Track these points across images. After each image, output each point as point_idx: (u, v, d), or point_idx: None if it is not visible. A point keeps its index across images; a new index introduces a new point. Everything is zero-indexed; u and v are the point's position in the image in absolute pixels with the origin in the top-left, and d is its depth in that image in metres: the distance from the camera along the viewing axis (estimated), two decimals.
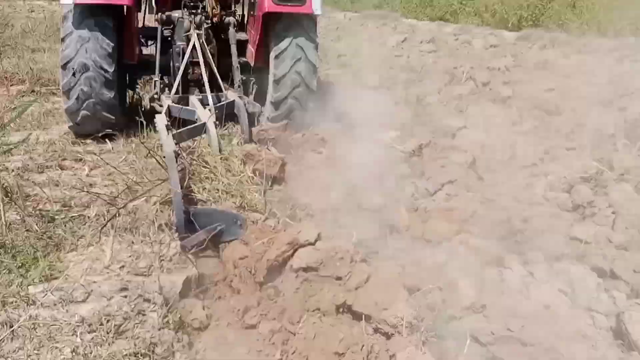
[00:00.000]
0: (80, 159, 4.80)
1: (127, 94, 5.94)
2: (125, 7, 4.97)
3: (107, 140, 5.31)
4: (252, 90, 5.65)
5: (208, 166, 4.23)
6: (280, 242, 3.02)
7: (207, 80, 5.10)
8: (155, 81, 5.30)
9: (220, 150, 4.28)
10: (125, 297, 2.81)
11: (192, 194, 3.93)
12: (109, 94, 4.89)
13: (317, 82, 5.38)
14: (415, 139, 4.98)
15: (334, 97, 6.16)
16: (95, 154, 4.95)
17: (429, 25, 18.56)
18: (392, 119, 5.84)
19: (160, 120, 4.37)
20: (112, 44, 4.81)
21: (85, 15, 4.68)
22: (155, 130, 4.74)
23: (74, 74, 4.72)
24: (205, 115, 4.51)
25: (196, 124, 4.48)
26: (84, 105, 4.87)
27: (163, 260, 3.17)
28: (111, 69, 4.84)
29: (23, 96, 7.19)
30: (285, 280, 2.95)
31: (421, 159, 4.68)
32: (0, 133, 3.91)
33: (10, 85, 7.51)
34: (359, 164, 4.01)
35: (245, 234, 3.29)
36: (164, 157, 3.80)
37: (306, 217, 3.79)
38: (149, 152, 4.42)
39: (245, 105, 4.95)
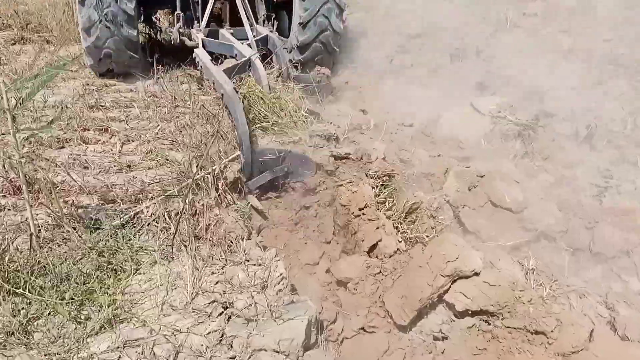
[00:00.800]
0: (106, 129, 3.76)
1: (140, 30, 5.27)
2: None
3: (131, 100, 4.28)
4: (273, 27, 5.23)
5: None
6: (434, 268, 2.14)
7: (230, 14, 4.94)
8: (177, 14, 4.89)
9: (269, 88, 3.92)
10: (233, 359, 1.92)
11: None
12: (130, 30, 4.55)
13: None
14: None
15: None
16: (122, 120, 3.93)
17: None
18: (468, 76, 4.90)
19: (204, 55, 4.12)
20: None
21: None
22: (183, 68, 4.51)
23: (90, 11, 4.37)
24: (247, 51, 4.16)
25: (240, 61, 4.08)
26: (106, 42, 4.53)
27: (266, 286, 2.26)
28: (132, 4, 4.46)
29: (14, 44, 5.97)
30: (452, 330, 2.08)
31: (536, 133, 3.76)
32: None
33: None
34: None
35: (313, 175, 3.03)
36: (222, 95, 3.54)
37: None
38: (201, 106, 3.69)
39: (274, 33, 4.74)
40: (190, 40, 4.76)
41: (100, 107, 4.12)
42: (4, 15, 6.55)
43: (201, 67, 4.24)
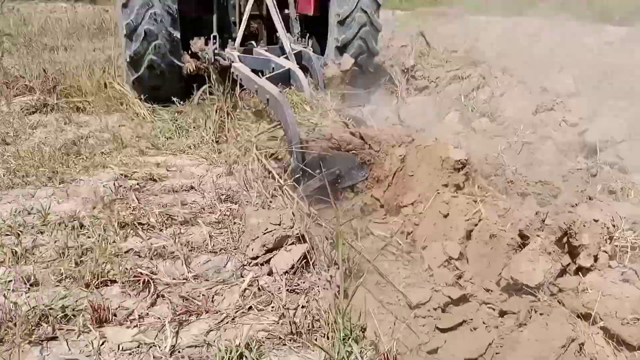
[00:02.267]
0: (145, 282, 1.92)
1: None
2: None
3: (193, 210, 2.46)
4: (309, 43, 5.10)
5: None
6: None
7: (266, 33, 5.14)
8: (213, 36, 4.89)
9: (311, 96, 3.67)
10: None
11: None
12: (174, 31, 4.48)
13: None
14: None
15: None
16: (179, 257, 2.08)
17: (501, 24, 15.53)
18: None
19: (242, 67, 4.07)
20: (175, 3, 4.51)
21: None
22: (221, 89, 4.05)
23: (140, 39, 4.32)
24: (285, 63, 4.12)
25: (279, 70, 4.00)
26: (150, 47, 4.36)
27: None
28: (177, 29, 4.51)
29: (33, 112, 4.37)
30: None
31: None
32: None
33: (14, 96, 4.72)
34: None
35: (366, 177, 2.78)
36: (267, 101, 3.28)
37: None
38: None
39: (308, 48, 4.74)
40: (225, 60, 4.62)
41: (139, 226, 2.30)
42: (31, 75, 5.03)
43: (241, 79, 4.04)
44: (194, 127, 3.80)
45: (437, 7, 21.77)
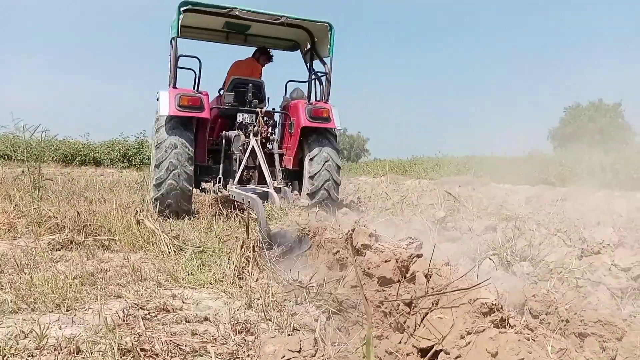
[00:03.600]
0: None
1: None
2: (201, 120, 6.69)
3: (204, 339, 2.18)
4: (289, 186, 6.81)
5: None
6: None
7: (257, 177, 6.86)
8: (218, 178, 6.72)
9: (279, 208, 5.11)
10: None
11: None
12: (190, 167, 6.26)
13: None
14: None
15: None
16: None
17: (528, 191, 15.72)
18: None
19: (236, 189, 5.97)
20: (192, 149, 6.36)
21: (174, 126, 6.31)
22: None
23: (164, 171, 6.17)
24: (266, 189, 6.06)
25: (261, 191, 5.86)
26: (171, 174, 6.09)
27: None
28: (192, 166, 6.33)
29: (59, 249, 4.33)
30: None
31: None
32: None
33: (42, 234, 4.74)
34: None
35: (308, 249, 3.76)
36: (248, 203, 5.05)
37: None
38: None
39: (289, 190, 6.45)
40: (226, 191, 6.42)
41: (142, 353, 2.02)
42: (64, 215, 5.12)
43: (234, 195, 5.82)
44: (217, 264, 3.65)
45: (460, 176, 22.48)
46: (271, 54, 7.91)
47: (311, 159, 6.62)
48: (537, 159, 23.10)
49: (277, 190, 6.12)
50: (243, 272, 3.45)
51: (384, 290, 3.22)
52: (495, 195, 12.16)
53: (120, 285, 3.10)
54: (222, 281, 3.28)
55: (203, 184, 7.19)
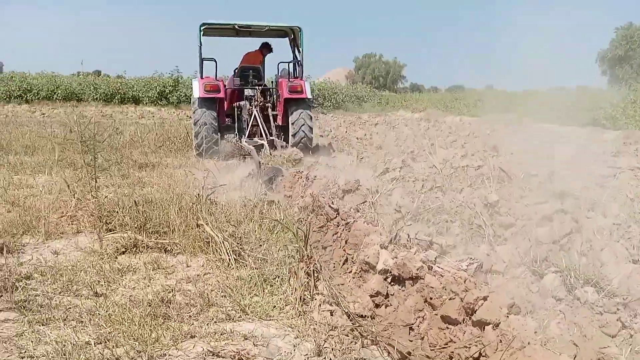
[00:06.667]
0: None
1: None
2: (220, 99, 10.46)
3: None
4: (281, 137, 10.21)
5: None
6: None
7: (259, 132, 10.33)
8: (235, 134, 10.40)
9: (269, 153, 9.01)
10: None
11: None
12: (214, 123, 10.10)
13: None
14: None
15: None
16: None
17: (576, 132, 15.09)
18: None
19: (245, 143, 9.61)
20: (215, 114, 10.18)
21: (203, 102, 10.05)
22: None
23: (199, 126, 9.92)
24: (262, 142, 9.71)
25: (258, 144, 9.55)
26: (203, 128, 9.88)
27: None
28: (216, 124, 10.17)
29: (123, 252, 4.52)
30: None
31: None
32: None
33: (107, 231, 4.93)
34: None
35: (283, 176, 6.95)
36: (249, 152, 8.99)
37: None
38: None
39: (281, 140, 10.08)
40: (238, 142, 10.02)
41: None
42: (124, 207, 5.28)
43: (242, 145, 9.48)
44: (280, 282, 3.74)
45: (503, 114, 21.77)
46: (271, 46, 11.42)
47: (292, 122, 10.02)
48: (588, 94, 21.98)
49: (271, 141, 9.67)
50: (305, 293, 3.53)
51: (448, 328, 3.26)
52: (541, 142, 11.74)
53: (191, 317, 3.24)
54: (286, 309, 3.38)
55: (226, 136, 10.42)
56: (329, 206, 5.39)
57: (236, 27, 10.26)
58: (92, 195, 5.37)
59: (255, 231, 4.86)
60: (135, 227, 4.87)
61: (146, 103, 30.73)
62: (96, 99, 30.60)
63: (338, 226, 5.14)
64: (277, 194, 6.54)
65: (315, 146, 10.96)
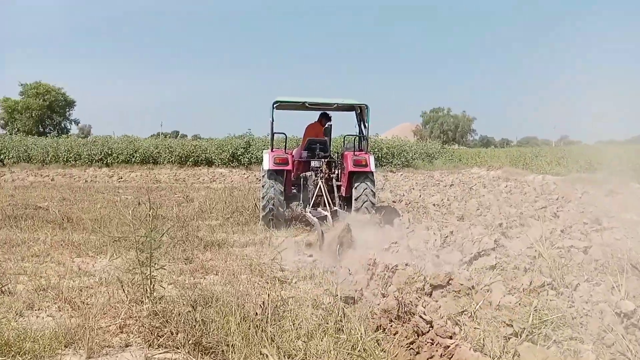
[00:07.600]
0: None
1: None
2: (288, 170, 10.70)
3: None
4: (344, 207, 10.60)
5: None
6: None
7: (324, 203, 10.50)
8: (300, 203, 10.82)
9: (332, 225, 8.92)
10: None
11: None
12: (281, 197, 10.39)
13: None
14: None
15: None
16: None
17: None
18: None
19: (308, 214, 10.01)
20: (282, 187, 10.45)
21: (272, 174, 10.36)
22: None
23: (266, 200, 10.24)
24: (325, 213, 9.74)
25: (321, 215, 9.66)
26: (270, 202, 10.23)
27: None
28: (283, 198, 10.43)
29: None
30: None
31: None
32: None
33: (158, 346, 4.19)
34: None
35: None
36: (313, 225, 9.30)
37: None
38: None
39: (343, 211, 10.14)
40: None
41: None
42: (176, 315, 4.56)
43: (306, 215, 10.24)
44: None
45: (591, 173, 19.85)
46: (330, 116, 11.76)
47: (355, 189, 10.33)
48: None
49: (334, 212, 9.89)
50: None
51: None
52: None
53: None
54: None
55: (291, 204, 11.06)
56: (420, 316, 4.44)
57: (306, 104, 10.84)
58: (146, 296, 4.73)
59: (331, 352, 3.97)
60: (190, 344, 4.11)
61: (218, 165, 31.24)
62: (171, 161, 31.49)
63: (433, 345, 4.19)
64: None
65: (390, 212, 10.85)
